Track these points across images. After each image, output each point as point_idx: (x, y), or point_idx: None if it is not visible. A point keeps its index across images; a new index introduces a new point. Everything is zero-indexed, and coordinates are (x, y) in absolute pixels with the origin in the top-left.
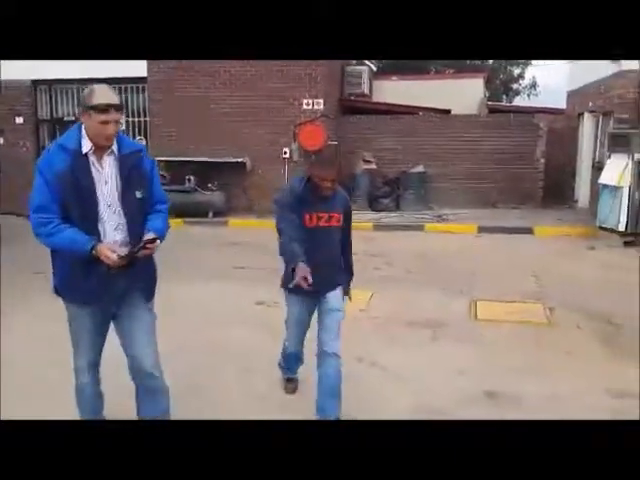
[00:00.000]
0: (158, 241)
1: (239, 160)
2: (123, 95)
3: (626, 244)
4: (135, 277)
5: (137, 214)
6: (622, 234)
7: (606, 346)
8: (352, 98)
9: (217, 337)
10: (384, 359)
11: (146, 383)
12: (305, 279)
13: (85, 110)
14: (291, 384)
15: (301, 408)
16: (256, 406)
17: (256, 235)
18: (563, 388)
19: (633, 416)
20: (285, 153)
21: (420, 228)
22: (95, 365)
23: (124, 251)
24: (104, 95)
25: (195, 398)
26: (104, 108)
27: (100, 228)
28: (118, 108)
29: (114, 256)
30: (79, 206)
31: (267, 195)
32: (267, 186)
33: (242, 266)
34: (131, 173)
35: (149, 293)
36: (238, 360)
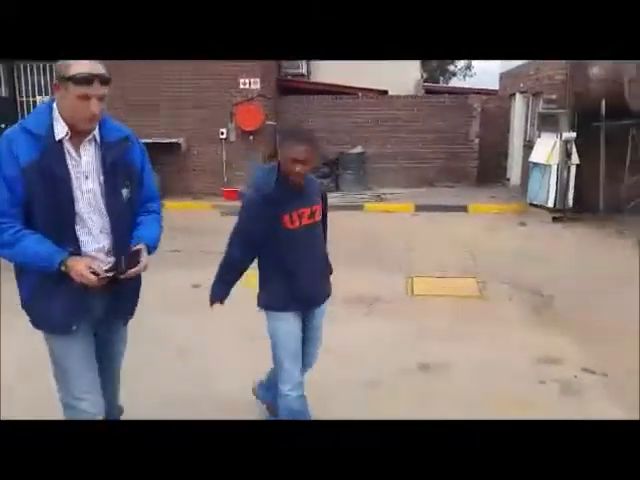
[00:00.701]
0: (146, 257)
1: (174, 141)
2: (49, 76)
3: (555, 220)
4: (118, 296)
5: (124, 215)
6: (551, 210)
7: (536, 316)
8: (290, 78)
9: (154, 321)
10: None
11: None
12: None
13: (61, 82)
14: None
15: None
16: (197, 391)
17: (193, 218)
18: (495, 357)
19: (561, 381)
20: (222, 134)
21: (359, 208)
22: (96, 397)
23: (104, 266)
24: (86, 63)
25: (135, 385)
26: (86, 78)
27: (79, 234)
28: (104, 80)
29: (91, 276)
30: (51, 208)
31: (204, 177)
32: (203, 167)
33: (178, 249)
34: (117, 165)
35: (130, 314)
36: (176, 345)
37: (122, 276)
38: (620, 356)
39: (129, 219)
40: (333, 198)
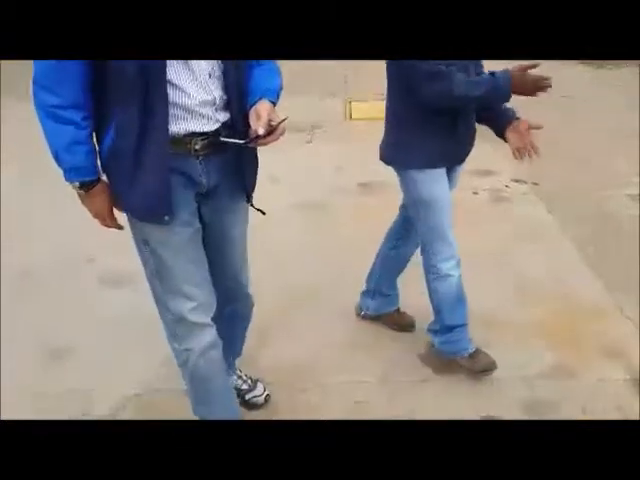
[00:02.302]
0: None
1: None
2: None
3: None
4: (235, 164)
5: None
6: None
7: None
8: None
9: None
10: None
11: (240, 308)
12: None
13: None
14: (484, 357)
15: None
16: None
17: None
18: None
19: (493, 190)
20: None
21: None
22: (209, 308)
23: (212, 126)
24: None
25: None
26: None
27: (178, 81)
28: None
29: (113, 225)
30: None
31: None
32: None
33: None
34: None
35: (251, 186)
36: None
37: (251, 145)
38: (551, 167)
39: (244, 60)
40: None
